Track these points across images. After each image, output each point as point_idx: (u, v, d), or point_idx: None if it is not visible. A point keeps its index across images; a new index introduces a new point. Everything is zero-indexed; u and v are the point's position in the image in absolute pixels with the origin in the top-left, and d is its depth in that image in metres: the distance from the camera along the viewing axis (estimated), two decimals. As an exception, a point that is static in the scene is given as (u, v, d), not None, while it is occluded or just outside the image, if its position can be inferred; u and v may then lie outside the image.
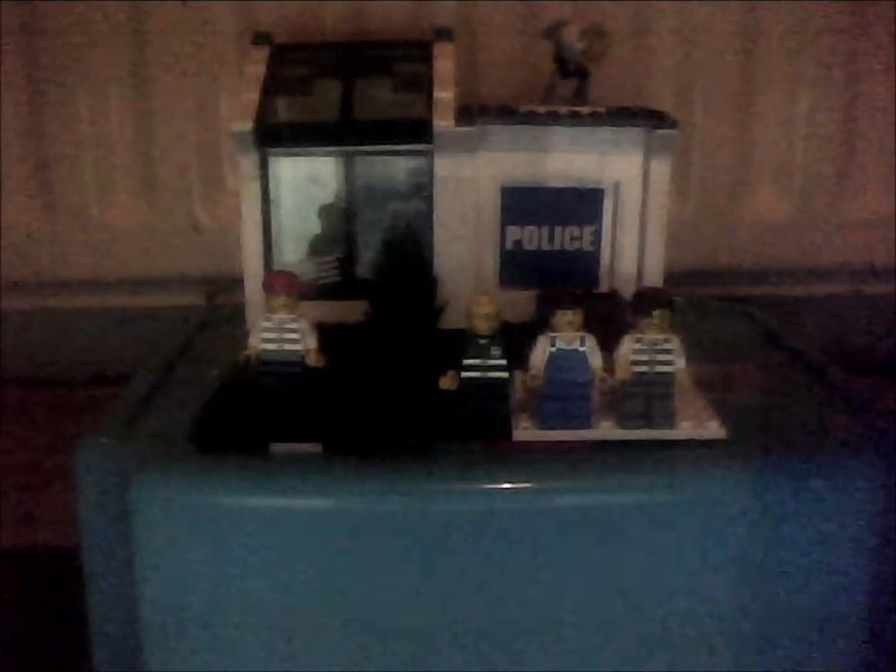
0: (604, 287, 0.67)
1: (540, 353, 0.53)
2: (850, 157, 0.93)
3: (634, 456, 0.53)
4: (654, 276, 0.66)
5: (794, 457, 0.53)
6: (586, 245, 0.66)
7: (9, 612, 0.73)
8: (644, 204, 0.65)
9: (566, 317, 0.53)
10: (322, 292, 0.67)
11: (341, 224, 0.68)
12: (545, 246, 0.66)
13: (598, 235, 0.66)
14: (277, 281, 0.56)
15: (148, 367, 0.66)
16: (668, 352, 0.53)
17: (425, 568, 0.51)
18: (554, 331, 0.53)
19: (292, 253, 0.68)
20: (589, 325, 0.54)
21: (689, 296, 0.78)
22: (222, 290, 0.90)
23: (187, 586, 0.52)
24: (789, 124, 0.92)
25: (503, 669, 0.53)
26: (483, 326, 0.53)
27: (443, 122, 0.63)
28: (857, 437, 0.55)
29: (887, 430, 0.56)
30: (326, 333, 0.62)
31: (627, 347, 0.53)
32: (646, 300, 0.55)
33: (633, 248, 0.66)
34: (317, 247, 0.69)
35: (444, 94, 0.64)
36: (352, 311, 0.65)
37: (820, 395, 0.62)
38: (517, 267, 0.66)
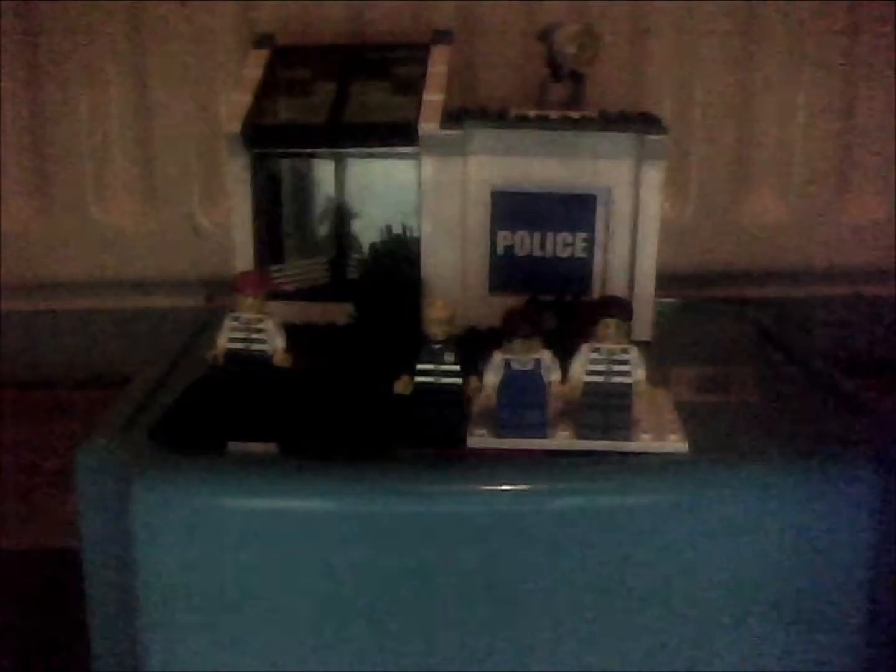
0: (595, 293, 0.66)
1: (493, 374, 0.53)
2: (850, 157, 0.93)
3: (619, 460, 0.52)
4: (646, 283, 0.66)
5: (793, 458, 0.53)
6: (578, 251, 0.66)
7: (9, 612, 0.73)
8: (636, 210, 0.65)
9: (519, 343, 0.52)
10: (312, 293, 0.67)
11: (332, 226, 0.68)
12: (536, 252, 0.66)
13: (590, 242, 0.65)
14: (245, 280, 0.56)
15: (148, 368, 0.66)
16: (625, 362, 0.52)
17: (422, 571, 0.51)
18: (509, 353, 0.53)
19: (283, 254, 0.68)
20: (566, 335, 0.53)
21: (688, 297, 0.78)
22: (221, 290, 0.90)
23: (187, 586, 0.52)
24: (789, 124, 0.92)
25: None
26: (437, 331, 0.52)
27: (428, 125, 0.63)
28: (857, 438, 0.56)
29: (887, 431, 0.56)
30: (313, 334, 0.62)
31: (583, 358, 0.52)
32: (599, 309, 0.53)
33: (625, 254, 0.65)
34: (308, 248, 0.69)
35: (433, 97, 0.64)
36: (341, 312, 0.65)
37: (819, 396, 0.62)
38: (508, 272, 0.66)
